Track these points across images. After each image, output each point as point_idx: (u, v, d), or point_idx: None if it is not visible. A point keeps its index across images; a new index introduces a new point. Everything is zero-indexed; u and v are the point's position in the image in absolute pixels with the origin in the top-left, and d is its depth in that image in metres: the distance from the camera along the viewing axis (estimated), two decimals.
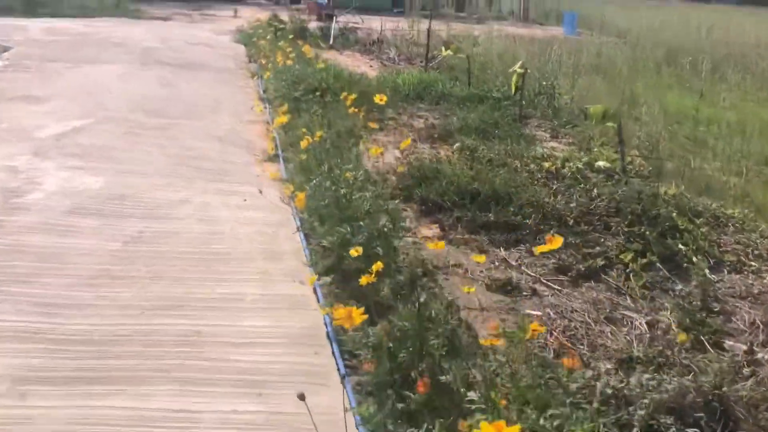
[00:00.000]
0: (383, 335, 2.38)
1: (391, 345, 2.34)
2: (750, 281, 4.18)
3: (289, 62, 8.36)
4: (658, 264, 4.30)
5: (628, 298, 3.93)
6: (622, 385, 2.70)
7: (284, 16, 16.58)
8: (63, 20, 16.41)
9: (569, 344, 3.38)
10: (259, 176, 5.41)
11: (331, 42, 14.41)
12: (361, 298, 2.94)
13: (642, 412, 2.49)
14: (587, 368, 3.06)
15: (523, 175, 5.56)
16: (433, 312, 2.58)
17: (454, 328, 2.56)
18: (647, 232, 4.52)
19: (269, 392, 2.71)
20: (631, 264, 4.25)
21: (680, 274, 4.24)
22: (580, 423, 2.22)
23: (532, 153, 6.27)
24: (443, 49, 10.31)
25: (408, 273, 3.01)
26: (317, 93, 7.24)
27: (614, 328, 3.53)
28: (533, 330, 2.26)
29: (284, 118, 4.35)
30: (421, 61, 11.94)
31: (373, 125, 5.65)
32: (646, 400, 2.54)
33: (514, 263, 4.26)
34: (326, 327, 3.21)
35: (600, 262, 4.27)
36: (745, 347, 3.38)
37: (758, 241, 4.70)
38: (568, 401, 2.33)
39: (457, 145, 6.55)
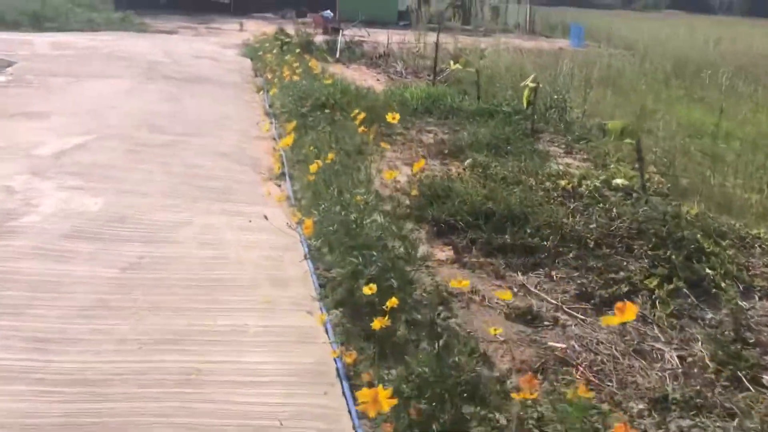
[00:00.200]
0: (401, 382, 2.16)
1: (408, 392, 2.11)
2: None
3: (295, 78, 8.20)
4: (684, 290, 4.07)
5: (655, 327, 3.70)
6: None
7: (290, 29, 16.51)
8: (69, 34, 16.39)
9: (597, 380, 3.16)
10: (265, 196, 5.22)
11: (337, 55, 14.30)
12: (374, 332, 2.72)
13: None
14: (619, 409, 2.84)
15: (538, 194, 5.35)
16: (455, 355, 2.35)
17: (478, 374, 2.33)
18: (673, 256, 4.30)
19: None
20: (656, 290, 4.02)
21: (709, 300, 4.01)
22: None
23: (546, 170, 6.05)
24: (452, 62, 10.14)
25: (425, 310, 2.78)
26: (324, 109, 7.05)
27: (644, 362, 3.30)
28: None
29: (290, 140, 4.15)
30: (428, 75, 11.79)
31: (385, 145, 5.45)
32: None
33: (533, 289, 4.04)
34: (336, 362, 3.00)
35: (624, 288, 4.04)
36: None
37: None
38: None
39: (468, 161, 6.34)
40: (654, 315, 3.80)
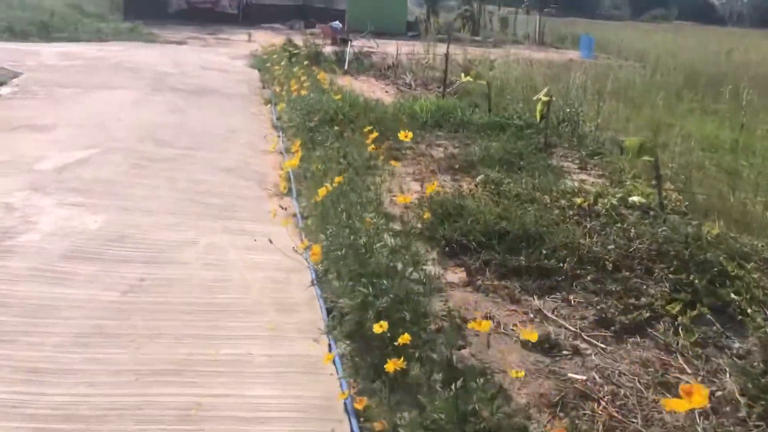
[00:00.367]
0: (414, 429, 1.99)
1: None
2: None
3: (303, 92, 8.07)
4: (709, 316, 3.89)
5: (679, 357, 3.52)
6: None
7: (299, 40, 16.44)
8: (77, 45, 16.39)
9: (620, 416, 2.98)
10: (271, 212, 5.07)
11: (346, 67, 14.20)
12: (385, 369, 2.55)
13: None
14: None
15: (554, 213, 5.17)
16: (473, 400, 2.18)
17: (498, 422, 2.16)
18: (695, 280, 4.11)
19: None
20: (679, 317, 3.84)
21: (734, 327, 3.82)
22: None
23: (561, 187, 5.87)
24: (462, 75, 9.99)
25: (442, 351, 2.60)
26: (333, 124, 6.91)
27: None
28: None
29: (296, 160, 4.00)
30: (438, 86, 11.65)
31: (395, 163, 5.29)
32: None
33: (550, 315, 3.86)
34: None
35: (645, 314, 3.85)
36: None
37: None
38: None
39: (480, 177, 6.18)
40: (677, 343, 3.62)
